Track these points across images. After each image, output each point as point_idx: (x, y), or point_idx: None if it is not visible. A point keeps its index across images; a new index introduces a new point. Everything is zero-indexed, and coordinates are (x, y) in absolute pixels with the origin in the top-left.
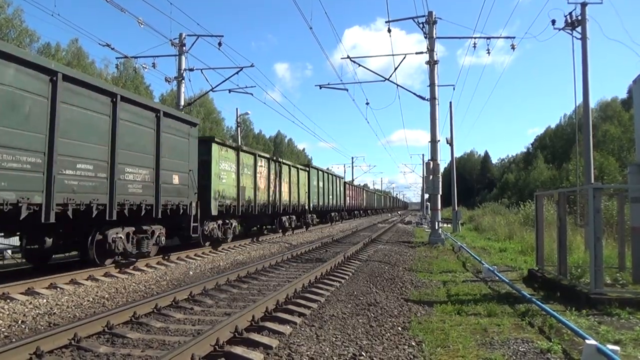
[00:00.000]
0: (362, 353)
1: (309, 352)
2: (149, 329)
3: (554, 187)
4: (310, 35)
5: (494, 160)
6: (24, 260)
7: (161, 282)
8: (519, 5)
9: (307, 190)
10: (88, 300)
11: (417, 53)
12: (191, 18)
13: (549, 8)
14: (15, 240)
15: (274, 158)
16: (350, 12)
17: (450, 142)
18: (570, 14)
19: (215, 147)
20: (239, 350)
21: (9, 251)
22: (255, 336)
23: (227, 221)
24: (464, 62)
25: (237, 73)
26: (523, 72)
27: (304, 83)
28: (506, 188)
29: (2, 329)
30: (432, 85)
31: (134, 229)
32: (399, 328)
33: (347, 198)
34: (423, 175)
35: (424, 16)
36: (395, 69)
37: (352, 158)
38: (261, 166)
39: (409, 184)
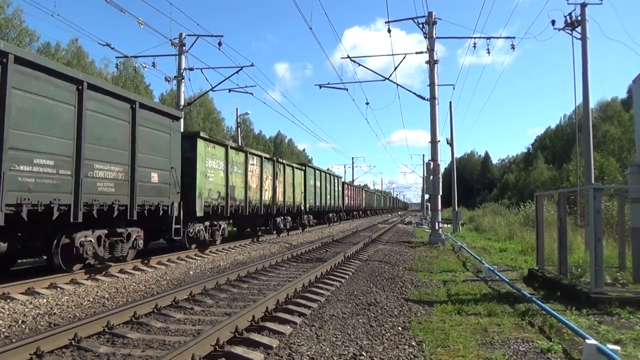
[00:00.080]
0: (363, 353)
1: (309, 352)
2: (149, 329)
3: (554, 187)
4: (310, 35)
5: (494, 160)
6: None
7: (161, 281)
8: (519, 5)
9: (303, 190)
10: (88, 300)
11: (417, 53)
12: (191, 18)
13: (548, 8)
14: None
15: (267, 156)
16: (350, 12)
17: (450, 143)
18: (570, 14)
19: (201, 143)
20: (239, 350)
21: None
22: (255, 336)
23: (216, 223)
24: (464, 62)
25: (237, 73)
26: (523, 72)
27: (304, 83)
28: (506, 188)
29: (3, 329)
30: (432, 85)
31: (106, 231)
32: (399, 328)
33: (346, 198)
34: (423, 175)
35: (423, 16)
36: (395, 68)
37: (353, 158)
38: (253, 164)
39: (409, 185)
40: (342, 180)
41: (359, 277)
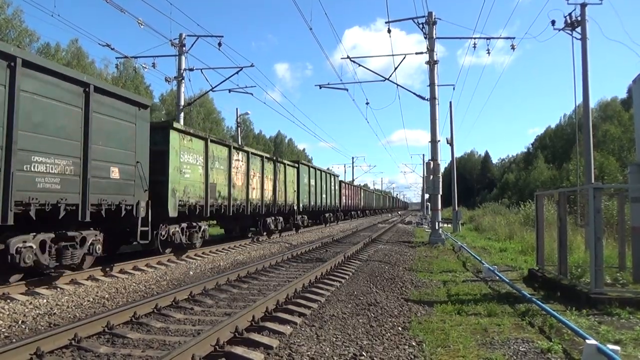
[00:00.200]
0: (363, 353)
1: (309, 352)
2: (149, 329)
3: (554, 187)
4: (310, 36)
5: (494, 160)
6: None
7: (161, 282)
8: (519, 5)
9: (296, 189)
10: (88, 301)
11: (417, 53)
12: (191, 18)
13: (548, 8)
14: None
15: (255, 152)
16: (350, 13)
17: (450, 142)
18: (570, 14)
19: (174, 135)
20: (239, 350)
21: None
22: (255, 336)
23: (195, 224)
24: (464, 62)
25: (237, 73)
26: (523, 72)
27: (304, 83)
28: (506, 188)
29: (3, 329)
30: (432, 85)
31: (53, 235)
32: (400, 328)
33: (343, 198)
34: (423, 175)
35: (423, 17)
36: (395, 68)
37: (353, 158)
38: (238, 160)
39: (409, 184)
40: (340, 178)
41: (359, 277)
